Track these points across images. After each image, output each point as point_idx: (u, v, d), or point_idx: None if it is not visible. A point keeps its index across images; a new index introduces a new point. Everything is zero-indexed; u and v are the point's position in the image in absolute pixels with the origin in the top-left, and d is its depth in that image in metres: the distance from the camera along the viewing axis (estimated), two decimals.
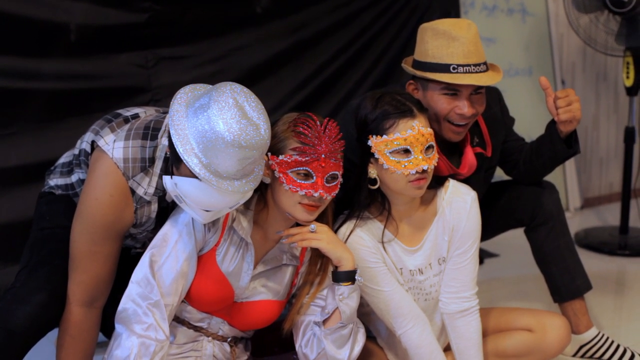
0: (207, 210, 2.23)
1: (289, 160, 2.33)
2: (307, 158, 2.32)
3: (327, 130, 2.34)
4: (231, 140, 2.11)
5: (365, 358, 2.73)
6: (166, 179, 2.26)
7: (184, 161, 2.13)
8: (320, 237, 2.41)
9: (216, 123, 2.11)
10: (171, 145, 2.19)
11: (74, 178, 2.65)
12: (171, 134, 2.16)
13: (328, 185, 2.36)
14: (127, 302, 2.33)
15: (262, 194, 2.46)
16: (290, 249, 2.52)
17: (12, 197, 3.33)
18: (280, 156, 2.34)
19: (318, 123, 2.34)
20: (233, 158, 2.13)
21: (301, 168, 2.33)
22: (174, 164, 2.24)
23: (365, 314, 2.74)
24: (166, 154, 2.40)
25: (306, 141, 2.32)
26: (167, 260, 2.35)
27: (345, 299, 2.41)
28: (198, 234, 2.38)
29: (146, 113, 2.58)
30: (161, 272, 2.34)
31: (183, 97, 2.24)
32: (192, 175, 2.16)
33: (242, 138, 2.12)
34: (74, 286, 2.44)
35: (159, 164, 2.42)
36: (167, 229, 2.39)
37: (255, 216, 2.46)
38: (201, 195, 2.19)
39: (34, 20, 3.30)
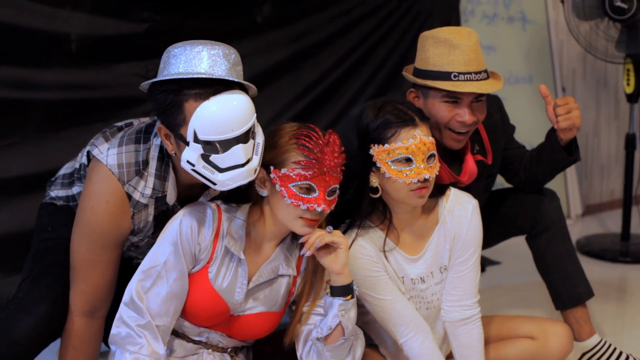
0: (233, 148, 2.24)
1: (292, 175, 2.31)
2: (310, 172, 2.30)
3: (329, 144, 2.33)
4: (197, 44, 2.25)
5: None
6: (185, 153, 2.26)
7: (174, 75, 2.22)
8: (342, 239, 2.40)
9: (182, 48, 2.27)
10: (166, 108, 2.25)
11: (74, 190, 2.65)
12: (158, 99, 2.26)
13: (329, 199, 2.35)
14: (120, 324, 2.33)
15: (258, 205, 2.45)
16: (286, 259, 2.51)
17: (13, 207, 3.32)
18: (282, 169, 2.32)
19: (321, 135, 2.32)
20: (203, 53, 2.23)
21: (304, 182, 2.31)
22: (178, 128, 2.26)
23: (368, 322, 2.73)
24: (159, 153, 2.42)
25: (311, 155, 2.30)
26: (156, 282, 2.34)
27: (347, 313, 2.40)
28: (187, 253, 2.36)
29: (140, 121, 2.60)
30: (149, 295, 2.33)
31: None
32: (194, 107, 2.20)
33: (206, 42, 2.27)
34: (75, 296, 2.45)
35: (153, 164, 2.43)
36: (155, 249, 2.38)
37: (248, 228, 2.45)
38: (216, 113, 2.19)
39: (33, 30, 3.30)
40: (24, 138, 3.33)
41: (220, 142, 2.22)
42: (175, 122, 2.25)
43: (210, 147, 2.22)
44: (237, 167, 2.24)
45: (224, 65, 2.24)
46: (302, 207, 2.31)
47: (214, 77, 2.20)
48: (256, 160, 2.28)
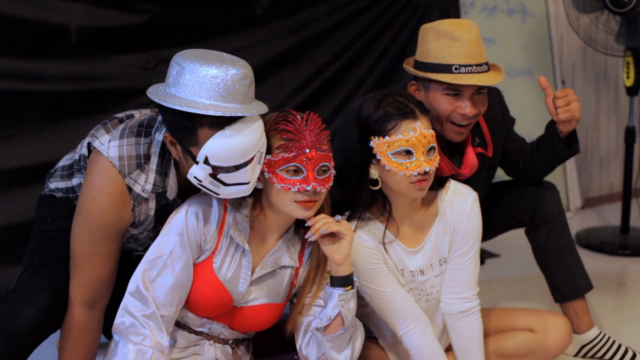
0: (241, 169, 2.24)
1: (277, 159, 2.32)
2: (293, 153, 2.31)
3: (308, 122, 2.34)
4: (209, 63, 2.21)
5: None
6: (193, 170, 2.26)
7: (196, 110, 2.17)
8: (348, 230, 2.39)
9: (195, 67, 2.22)
10: (179, 128, 2.24)
11: (74, 182, 2.65)
12: (169, 117, 2.24)
13: (320, 177, 2.34)
14: (124, 314, 2.34)
15: (257, 199, 2.45)
16: (288, 251, 2.52)
17: (13, 199, 3.33)
18: (267, 156, 2.34)
19: (298, 117, 2.34)
20: (217, 80, 2.20)
21: (290, 164, 2.32)
22: (188, 146, 2.26)
23: (367, 314, 2.74)
24: (161, 149, 2.42)
25: (289, 137, 2.32)
26: (162, 272, 2.35)
27: (347, 303, 2.40)
28: (193, 244, 2.38)
29: (141, 113, 2.60)
30: (154, 285, 2.34)
31: (151, 91, 2.31)
32: (208, 135, 2.19)
33: (224, 57, 2.25)
34: (75, 287, 2.45)
35: (154, 160, 2.43)
36: (161, 239, 2.39)
37: (251, 221, 2.46)
38: (230, 144, 2.20)
39: (34, 21, 3.30)
40: (24, 129, 3.33)
41: (230, 166, 2.24)
42: (187, 142, 2.27)
43: (219, 169, 2.24)
44: (242, 184, 2.28)
45: (239, 93, 2.23)
46: (293, 190, 2.31)
47: (230, 112, 2.18)
48: (258, 170, 2.30)
